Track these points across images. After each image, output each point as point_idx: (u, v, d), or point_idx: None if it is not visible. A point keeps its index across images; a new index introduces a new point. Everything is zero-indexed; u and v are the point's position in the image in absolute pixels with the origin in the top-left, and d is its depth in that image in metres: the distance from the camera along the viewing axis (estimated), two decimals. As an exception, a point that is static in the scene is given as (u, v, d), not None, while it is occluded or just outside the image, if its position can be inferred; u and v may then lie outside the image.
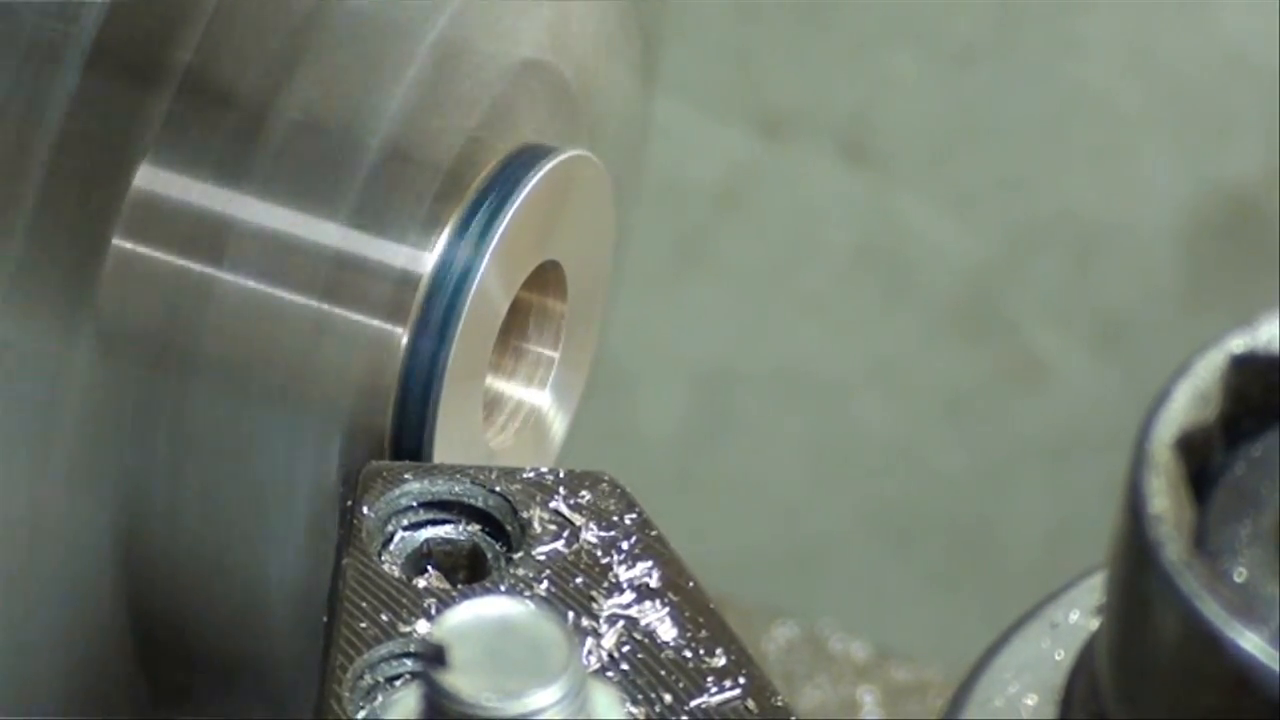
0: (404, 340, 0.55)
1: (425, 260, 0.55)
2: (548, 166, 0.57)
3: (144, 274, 0.54)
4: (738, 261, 1.62)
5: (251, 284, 0.54)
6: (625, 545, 0.52)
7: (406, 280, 0.55)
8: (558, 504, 0.53)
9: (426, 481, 0.52)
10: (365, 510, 0.51)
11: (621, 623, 0.50)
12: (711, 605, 0.51)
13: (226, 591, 0.56)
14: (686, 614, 0.50)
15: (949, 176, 1.58)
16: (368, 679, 0.47)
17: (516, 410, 0.61)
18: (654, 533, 0.53)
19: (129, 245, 0.53)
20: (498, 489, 0.52)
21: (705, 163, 1.60)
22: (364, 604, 0.49)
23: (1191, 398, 0.43)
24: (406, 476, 0.52)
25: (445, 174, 0.56)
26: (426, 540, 0.52)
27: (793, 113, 1.59)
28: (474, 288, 0.55)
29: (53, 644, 0.55)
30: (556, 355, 0.62)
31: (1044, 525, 1.61)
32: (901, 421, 1.62)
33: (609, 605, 0.50)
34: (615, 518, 0.53)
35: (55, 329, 0.53)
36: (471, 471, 0.53)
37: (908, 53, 1.57)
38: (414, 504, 0.52)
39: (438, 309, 0.55)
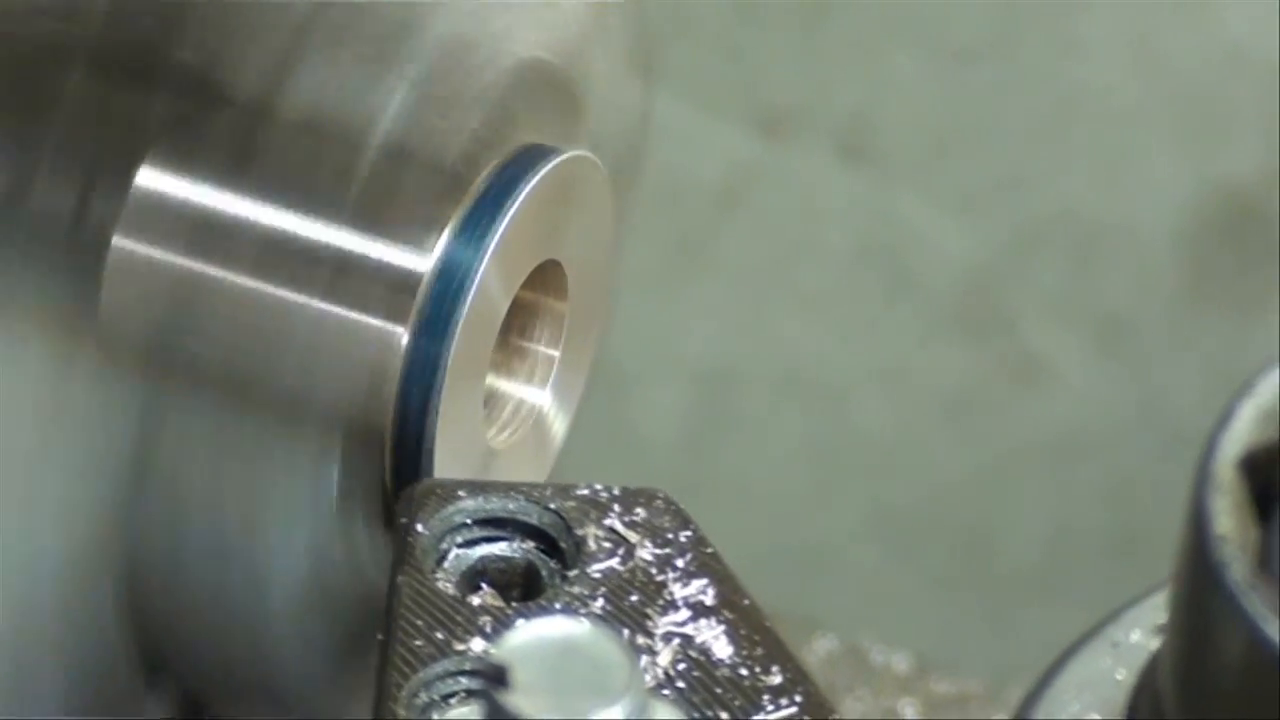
0: (404, 340, 0.55)
1: (425, 260, 0.55)
2: (548, 166, 0.57)
3: (144, 274, 0.54)
4: (737, 261, 1.62)
5: (251, 283, 0.54)
6: (680, 562, 0.52)
7: (406, 280, 0.55)
8: (612, 521, 0.52)
9: (481, 499, 0.52)
10: (419, 527, 0.51)
11: (677, 640, 0.49)
12: (767, 622, 0.50)
13: (227, 592, 0.56)
14: (742, 631, 0.50)
15: (949, 176, 1.58)
16: (423, 697, 0.47)
17: (517, 409, 0.61)
18: (709, 550, 0.52)
19: (129, 245, 0.53)
20: (552, 506, 0.52)
21: (705, 162, 1.60)
22: (419, 622, 0.48)
23: (1255, 416, 0.42)
24: (460, 494, 0.52)
25: (445, 174, 0.56)
26: (481, 558, 0.51)
27: (793, 112, 1.59)
28: (474, 287, 0.55)
29: (53, 644, 0.55)
30: (557, 354, 0.62)
31: (1044, 525, 1.61)
32: (901, 422, 1.62)
33: (664, 623, 0.50)
34: (670, 535, 0.52)
35: (55, 329, 0.53)
36: (526, 489, 0.52)
37: (908, 53, 1.57)
38: (468, 521, 0.52)
39: (438, 308, 0.55)
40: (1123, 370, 1.59)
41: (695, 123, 1.59)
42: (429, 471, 0.56)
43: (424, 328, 0.55)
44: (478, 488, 0.52)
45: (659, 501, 0.54)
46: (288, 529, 0.56)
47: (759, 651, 0.49)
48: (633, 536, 0.52)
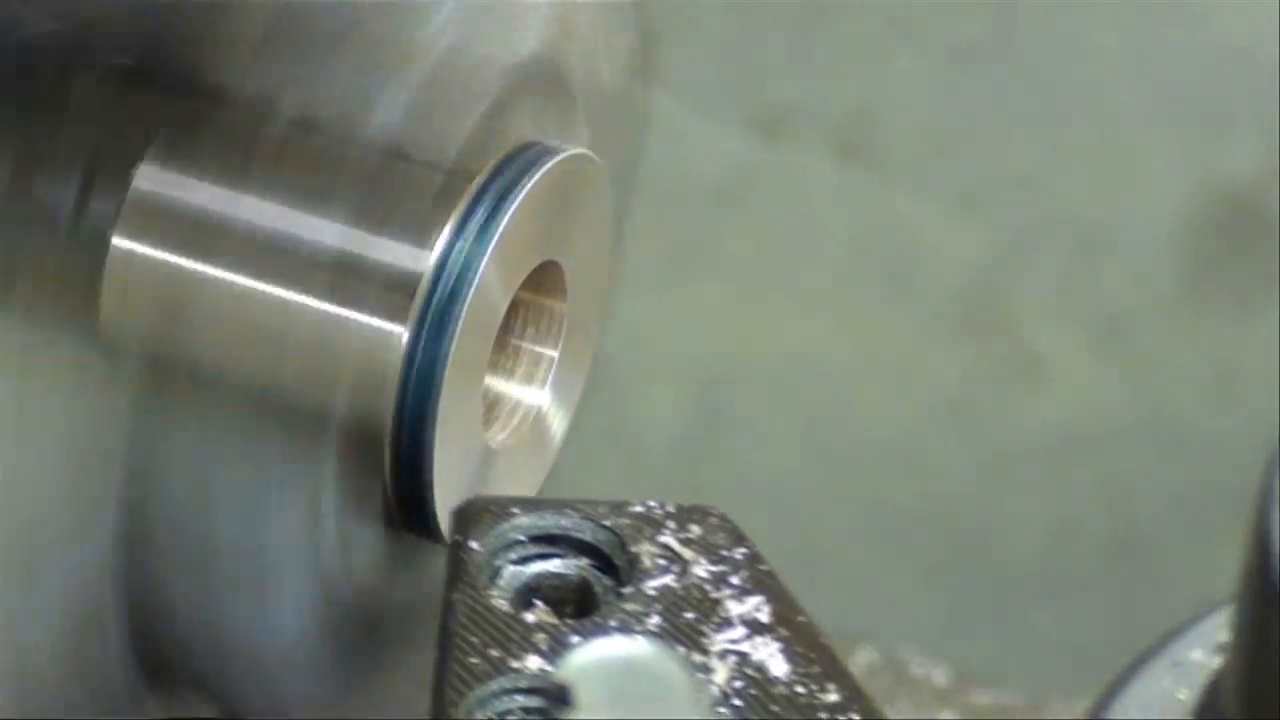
0: (404, 340, 0.54)
1: (425, 259, 0.55)
2: (548, 166, 0.57)
3: (144, 274, 0.54)
4: (737, 261, 1.62)
5: (251, 283, 0.54)
6: (735, 580, 0.51)
7: (406, 280, 0.54)
8: (667, 538, 0.52)
9: (534, 516, 0.52)
10: (473, 545, 0.51)
11: (733, 658, 0.49)
12: (823, 640, 0.50)
13: (226, 592, 0.56)
14: (798, 649, 0.50)
15: (949, 175, 1.58)
16: (479, 715, 0.47)
17: (516, 409, 0.61)
18: (764, 567, 0.52)
19: (129, 245, 0.53)
20: (606, 523, 0.52)
21: (705, 162, 1.60)
22: (474, 639, 0.48)
23: None
24: (514, 511, 0.52)
25: (445, 173, 0.56)
26: (535, 574, 0.51)
27: (792, 112, 1.59)
28: (474, 287, 0.55)
29: (52, 644, 0.55)
30: (556, 354, 0.62)
31: (1044, 525, 1.61)
32: (901, 421, 1.62)
33: (720, 640, 0.50)
34: (725, 552, 0.52)
35: (55, 329, 0.53)
36: (580, 505, 0.52)
37: (908, 53, 1.57)
38: (522, 538, 0.51)
39: (438, 308, 0.55)
40: (1123, 370, 1.59)
41: (695, 123, 1.59)
42: (428, 471, 0.56)
43: (424, 328, 0.55)
44: (531, 505, 0.52)
45: (713, 519, 0.53)
46: (286, 529, 0.56)
47: (815, 669, 0.49)
48: (687, 553, 0.52)
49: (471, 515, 0.51)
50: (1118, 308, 1.58)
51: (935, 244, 1.59)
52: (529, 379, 0.62)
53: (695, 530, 0.53)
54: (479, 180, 0.56)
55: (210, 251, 0.54)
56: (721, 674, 0.49)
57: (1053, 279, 1.59)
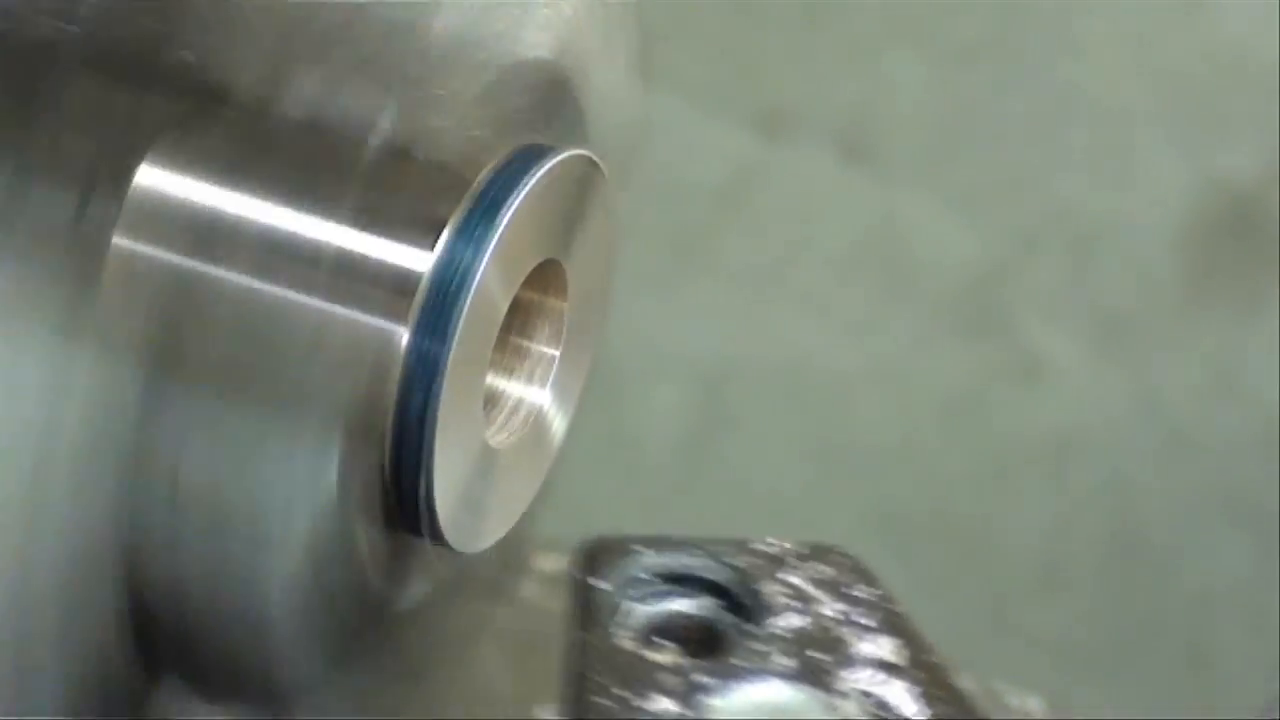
0: (404, 339, 0.54)
1: (425, 259, 0.55)
2: (548, 166, 0.57)
3: (144, 274, 0.53)
4: (737, 260, 1.62)
5: (251, 283, 0.54)
6: (865, 619, 0.51)
7: (406, 280, 0.54)
8: (793, 577, 0.52)
9: (659, 554, 0.51)
10: (598, 584, 0.51)
11: (865, 699, 0.48)
12: (954, 681, 0.50)
13: (226, 592, 0.56)
14: (928, 690, 0.49)
15: (948, 176, 1.59)
16: None
17: (517, 408, 0.61)
18: (894, 606, 0.52)
19: (129, 245, 0.53)
20: (732, 561, 0.52)
21: (705, 162, 1.61)
22: (601, 679, 0.48)
23: None
24: (638, 549, 0.52)
25: (445, 173, 0.56)
26: (661, 613, 0.51)
27: (792, 112, 1.60)
28: (474, 286, 0.55)
29: (53, 644, 0.55)
30: (557, 353, 0.62)
31: (1044, 525, 1.61)
32: (901, 421, 1.62)
33: (849, 680, 0.49)
34: (852, 591, 0.52)
35: (56, 329, 0.53)
36: (704, 543, 0.52)
37: (908, 53, 1.57)
38: (647, 576, 0.51)
39: (438, 308, 0.54)
40: (1122, 370, 1.59)
41: (695, 123, 1.60)
42: (429, 471, 0.56)
43: (424, 327, 0.54)
44: (655, 542, 0.52)
45: (841, 558, 0.53)
46: (286, 529, 0.56)
47: (948, 710, 0.49)
48: (816, 592, 0.51)
49: (597, 553, 0.51)
50: (1118, 308, 1.58)
51: (935, 244, 1.59)
52: (530, 378, 0.62)
53: (823, 569, 0.52)
54: (480, 180, 0.56)
55: (210, 252, 0.54)
56: (853, 715, 0.48)
57: (1053, 279, 1.59)
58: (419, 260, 0.54)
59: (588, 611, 0.50)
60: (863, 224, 1.60)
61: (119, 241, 0.53)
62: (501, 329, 0.58)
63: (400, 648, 0.62)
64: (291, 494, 0.55)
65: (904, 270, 1.60)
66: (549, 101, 0.61)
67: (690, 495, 1.64)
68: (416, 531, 0.57)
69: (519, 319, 0.61)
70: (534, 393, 0.62)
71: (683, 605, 0.51)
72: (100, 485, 0.54)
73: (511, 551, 0.64)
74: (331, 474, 0.55)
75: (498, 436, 0.60)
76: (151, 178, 0.53)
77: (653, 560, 0.51)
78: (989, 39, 1.56)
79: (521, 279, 0.58)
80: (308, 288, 0.54)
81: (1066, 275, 1.59)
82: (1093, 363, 1.59)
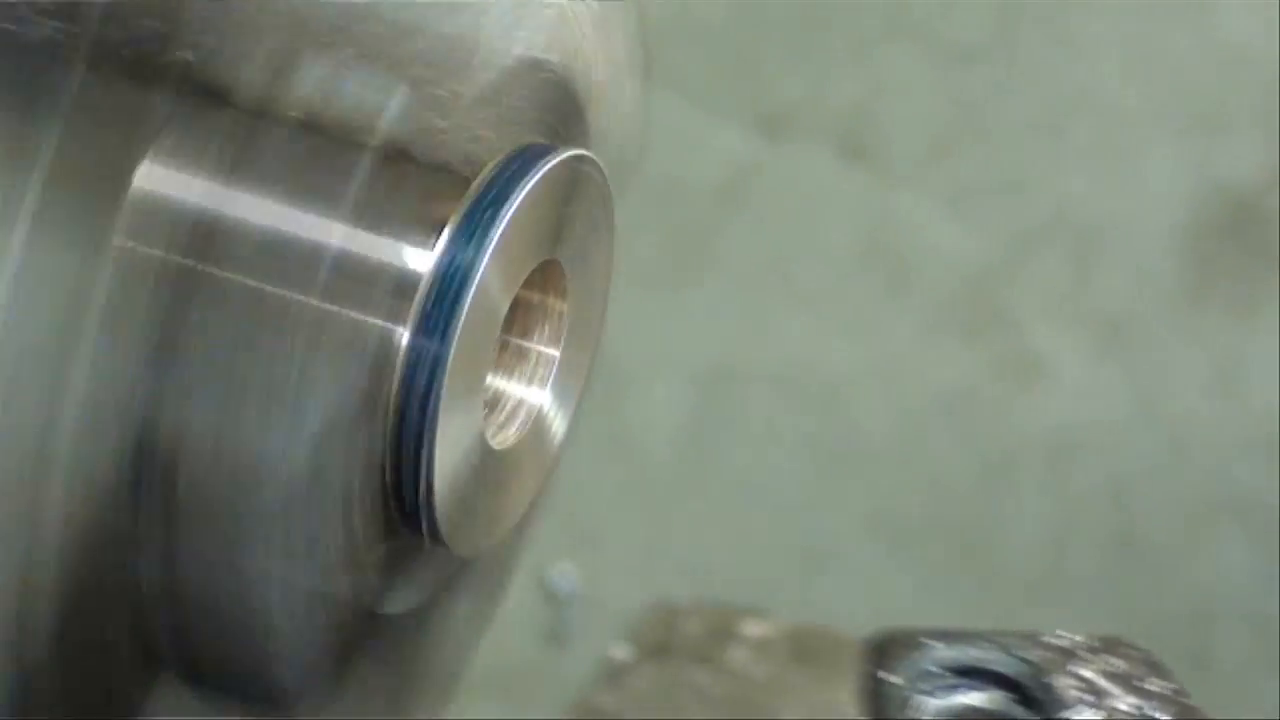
0: (404, 340, 0.54)
1: (425, 259, 0.55)
2: (547, 166, 0.57)
3: (144, 274, 0.53)
4: (738, 260, 1.62)
5: (251, 283, 0.54)
6: (1158, 714, 0.51)
7: (406, 280, 0.54)
8: (1085, 670, 0.52)
9: (949, 647, 0.52)
10: (889, 677, 0.51)
11: None
12: None
13: (226, 597, 0.56)
14: None
15: (949, 175, 1.59)
16: None
17: (517, 409, 0.61)
18: (1187, 701, 0.52)
19: (129, 245, 0.53)
20: (1023, 654, 0.52)
21: (705, 162, 1.61)
22: None
23: None
24: (928, 642, 0.52)
25: (445, 174, 0.56)
26: (953, 707, 0.51)
27: (793, 112, 1.60)
28: (474, 287, 0.55)
29: (53, 644, 0.55)
30: (557, 354, 0.62)
31: (1044, 525, 1.61)
32: (901, 421, 1.62)
33: None
34: (1145, 685, 0.52)
35: (57, 329, 0.53)
36: (995, 636, 0.52)
37: (908, 52, 1.57)
38: (937, 670, 0.51)
39: (438, 308, 0.54)
40: (1123, 370, 1.59)
41: (695, 123, 1.60)
42: (429, 472, 0.56)
43: (424, 328, 0.54)
44: (944, 635, 0.52)
45: (1131, 650, 0.53)
46: (286, 530, 0.56)
47: None
48: (1108, 685, 0.51)
49: (887, 646, 0.51)
50: (1118, 308, 1.58)
51: (936, 244, 1.59)
52: (530, 378, 0.62)
53: (1114, 662, 0.52)
54: (480, 180, 0.56)
55: (210, 251, 0.54)
56: None
57: (1053, 279, 1.59)
58: (419, 260, 0.54)
59: (880, 705, 0.50)
60: (862, 224, 1.60)
61: (119, 242, 0.53)
62: (501, 329, 0.57)
63: (399, 648, 0.62)
64: (291, 495, 0.55)
65: (904, 270, 1.60)
66: (549, 101, 0.61)
67: (690, 495, 1.64)
68: (416, 532, 0.57)
69: (519, 319, 0.61)
70: (534, 393, 0.62)
71: (974, 699, 0.52)
72: (99, 485, 0.54)
73: (511, 552, 0.64)
74: (331, 474, 0.55)
75: (498, 437, 0.60)
76: (151, 178, 0.53)
77: (943, 653, 0.52)
78: (989, 39, 1.56)
79: (521, 279, 0.58)
80: (307, 288, 0.54)
81: (1067, 275, 1.59)
82: (1093, 363, 1.59)
